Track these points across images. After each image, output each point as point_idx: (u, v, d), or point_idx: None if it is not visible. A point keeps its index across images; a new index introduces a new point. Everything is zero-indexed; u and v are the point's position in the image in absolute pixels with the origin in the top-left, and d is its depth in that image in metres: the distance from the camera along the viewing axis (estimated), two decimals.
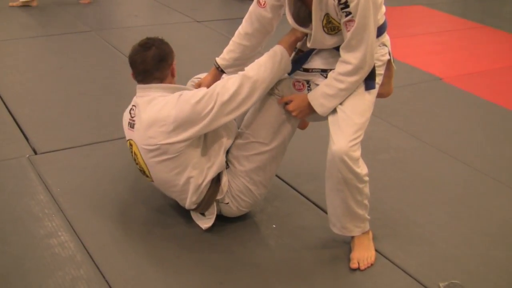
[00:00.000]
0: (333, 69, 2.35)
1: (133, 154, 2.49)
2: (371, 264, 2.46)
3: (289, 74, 2.51)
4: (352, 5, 2.13)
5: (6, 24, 5.32)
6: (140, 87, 2.47)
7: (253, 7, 2.52)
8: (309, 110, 2.41)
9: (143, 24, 5.62)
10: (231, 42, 2.60)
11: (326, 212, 2.57)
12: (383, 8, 2.39)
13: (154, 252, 2.44)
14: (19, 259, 2.32)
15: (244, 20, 2.56)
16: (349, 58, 2.26)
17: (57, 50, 4.68)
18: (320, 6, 2.22)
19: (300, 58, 2.48)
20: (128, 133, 2.49)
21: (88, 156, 3.09)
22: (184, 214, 2.65)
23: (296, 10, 2.35)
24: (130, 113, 2.48)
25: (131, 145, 2.48)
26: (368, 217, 2.49)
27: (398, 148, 3.45)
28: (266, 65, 2.39)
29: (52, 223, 2.53)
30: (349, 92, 2.33)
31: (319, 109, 2.38)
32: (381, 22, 2.37)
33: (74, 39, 5.00)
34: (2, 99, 3.69)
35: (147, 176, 2.50)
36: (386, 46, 2.50)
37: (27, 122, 3.41)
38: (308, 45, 2.38)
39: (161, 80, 2.45)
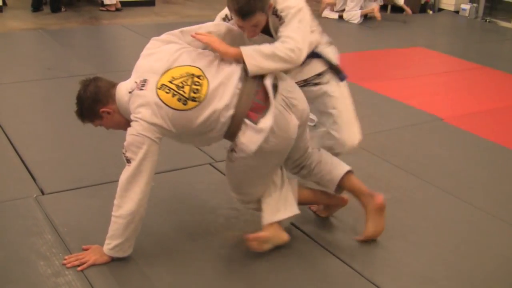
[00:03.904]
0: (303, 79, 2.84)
1: (187, 77, 2.50)
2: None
3: None
4: (283, 15, 2.56)
5: (14, 67, 5.42)
6: None
7: None
8: (231, 52, 2.57)
9: None
10: None
11: (326, 249, 2.61)
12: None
13: None
14: None
15: None
16: (291, 34, 2.53)
17: (64, 93, 4.74)
18: (274, 28, 2.63)
19: None
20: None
21: (94, 197, 3.13)
22: (190, 248, 2.70)
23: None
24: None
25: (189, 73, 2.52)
26: None
27: (400, 187, 3.48)
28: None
29: (59, 262, 2.55)
30: (280, 64, 2.53)
31: (248, 59, 2.51)
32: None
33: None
34: (9, 140, 3.75)
35: (198, 96, 2.48)
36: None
37: (34, 163, 3.46)
38: None
39: None
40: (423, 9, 9.66)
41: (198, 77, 2.49)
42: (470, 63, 6.66)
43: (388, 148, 4.01)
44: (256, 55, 2.52)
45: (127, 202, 2.46)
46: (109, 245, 2.54)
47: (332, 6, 8.56)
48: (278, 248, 2.75)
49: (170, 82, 2.47)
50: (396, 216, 3.15)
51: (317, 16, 8.54)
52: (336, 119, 2.89)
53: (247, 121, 2.48)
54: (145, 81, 2.50)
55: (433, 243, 2.96)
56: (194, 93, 2.47)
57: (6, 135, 3.83)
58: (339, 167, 2.85)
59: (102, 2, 8.05)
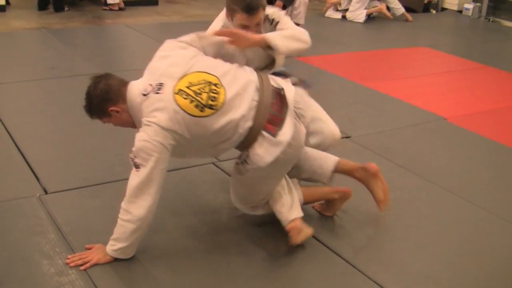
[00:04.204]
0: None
1: (204, 84, 2.50)
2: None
3: None
4: (275, 17, 2.86)
5: (17, 66, 5.43)
6: None
7: None
8: (256, 38, 2.72)
9: None
10: None
11: (328, 247, 2.61)
12: None
13: None
14: None
15: None
16: (292, 25, 2.86)
17: (67, 92, 4.76)
18: (266, 32, 2.78)
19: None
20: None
21: (97, 196, 3.14)
22: (193, 248, 2.70)
23: None
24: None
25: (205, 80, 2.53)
26: None
27: (403, 187, 3.48)
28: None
29: (63, 261, 2.56)
30: (300, 44, 2.80)
31: (274, 41, 2.70)
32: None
33: (83, 81, 5.05)
34: (13, 140, 3.75)
35: (215, 104, 2.49)
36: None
37: (37, 162, 3.47)
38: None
39: None
40: (426, 8, 9.65)
41: (216, 85, 2.50)
42: (473, 62, 6.65)
43: (391, 148, 4.01)
44: (280, 37, 2.72)
45: (136, 208, 2.46)
46: (113, 247, 2.54)
47: (336, 6, 8.55)
48: (281, 247, 2.76)
49: (188, 87, 2.47)
50: (399, 216, 3.15)
51: (320, 16, 8.57)
52: (323, 121, 3.02)
53: (264, 133, 2.51)
54: (161, 84, 2.49)
55: (436, 243, 2.96)
56: (212, 100, 2.47)
57: (9, 134, 3.83)
58: (328, 160, 2.91)
59: (105, 1, 8.05)
